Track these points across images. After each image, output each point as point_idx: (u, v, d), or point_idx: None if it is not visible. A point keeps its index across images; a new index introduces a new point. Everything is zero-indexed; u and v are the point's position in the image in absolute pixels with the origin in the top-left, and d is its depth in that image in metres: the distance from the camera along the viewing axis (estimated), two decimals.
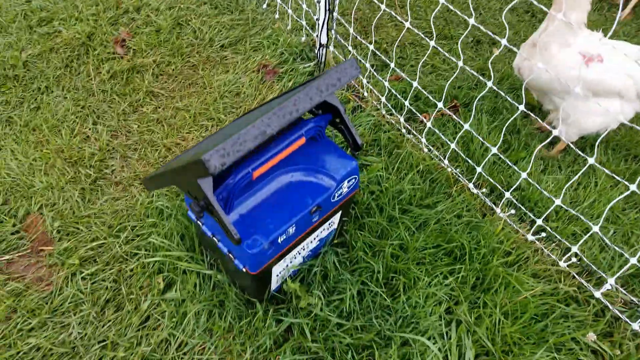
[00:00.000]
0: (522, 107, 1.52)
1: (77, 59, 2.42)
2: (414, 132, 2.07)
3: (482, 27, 1.54)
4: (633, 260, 1.43)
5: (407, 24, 1.80)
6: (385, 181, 1.82)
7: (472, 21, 1.52)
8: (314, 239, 1.43)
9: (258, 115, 1.22)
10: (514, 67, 2.04)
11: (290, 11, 2.59)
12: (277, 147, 1.23)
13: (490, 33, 1.51)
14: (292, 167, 1.30)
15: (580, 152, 1.49)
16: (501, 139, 1.75)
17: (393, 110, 2.15)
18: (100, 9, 2.74)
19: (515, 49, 1.50)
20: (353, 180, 1.37)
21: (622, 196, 1.43)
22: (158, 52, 2.51)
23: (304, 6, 2.53)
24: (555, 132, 1.46)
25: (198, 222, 1.35)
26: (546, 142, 1.58)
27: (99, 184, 1.80)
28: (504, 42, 1.45)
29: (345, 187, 1.36)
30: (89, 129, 2.03)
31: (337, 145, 1.39)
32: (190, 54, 2.52)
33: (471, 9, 1.52)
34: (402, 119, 2.09)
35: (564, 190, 1.60)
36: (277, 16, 2.71)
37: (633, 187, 1.34)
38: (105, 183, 1.80)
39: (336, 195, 1.34)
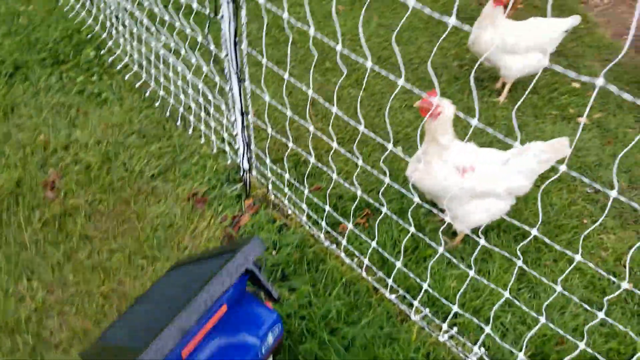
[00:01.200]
0: (412, 229, 1.68)
1: (7, 210, 2.36)
2: (335, 245, 2.18)
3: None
4: (521, 355, 1.58)
5: (312, 159, 1.95)
6: (314, 303, 1.88)
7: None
8: None
9: (181, 282, 1.26)
10: (407, 175, 2.22)
11: (213, 138, 2.67)
12: (201, 321, 1.27)
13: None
14: (217, 333, 1.33)
15: (460, 265, 1.65)
16: (403, 243, 1.88)
17: (313, 229, 2.25)
18: (28, 152, 2.70)
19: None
20: (277, 329, 1.43)
21: (503, 299, 1.58)
22: (89, 191, 2.49)
23: (225, 135, 2.60)
24: (440, 250, 1.62)
25: None
26: (441, 253, 1.71)
27: (39, 350, 1.73)
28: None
29: (270, 338, 1.41)
30: (24, 288, 1.97)
31: (257, 300, 1.45)
32: (122, 188, 2.52)
33: (355, 119, 1.67)
34: (322, 235, 2.20)
35: (458, 296, 1.74)
36: (202, 141, 2.78)
37: (506, 295, 1.50)
38: (45, 348, 1.74)
39: (263, 349, 1.38)
